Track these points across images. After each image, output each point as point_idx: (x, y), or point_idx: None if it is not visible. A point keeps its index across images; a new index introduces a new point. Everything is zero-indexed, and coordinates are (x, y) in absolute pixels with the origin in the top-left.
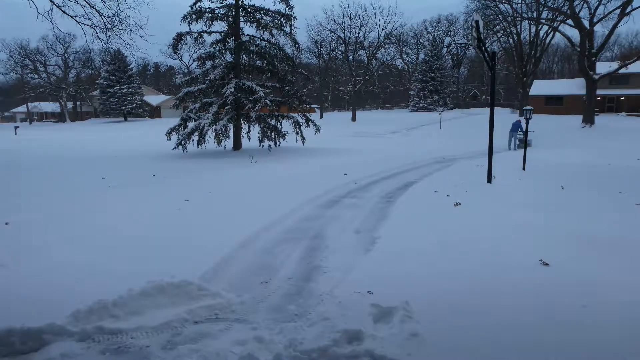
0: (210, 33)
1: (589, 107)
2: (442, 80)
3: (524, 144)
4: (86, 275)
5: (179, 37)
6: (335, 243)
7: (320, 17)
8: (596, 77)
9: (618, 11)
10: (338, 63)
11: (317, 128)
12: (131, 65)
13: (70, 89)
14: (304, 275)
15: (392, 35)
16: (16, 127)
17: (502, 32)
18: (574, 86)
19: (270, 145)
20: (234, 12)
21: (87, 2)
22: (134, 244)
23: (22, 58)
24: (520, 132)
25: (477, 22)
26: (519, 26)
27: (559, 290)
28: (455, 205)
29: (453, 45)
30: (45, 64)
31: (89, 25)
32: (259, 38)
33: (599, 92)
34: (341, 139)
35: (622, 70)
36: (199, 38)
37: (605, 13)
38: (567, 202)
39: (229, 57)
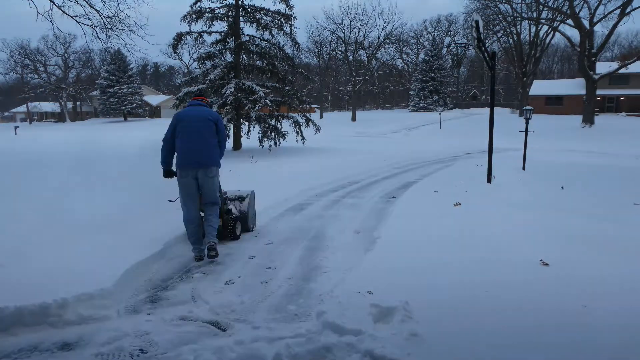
0: (210, 33)
1: (588, 107)
2: (442, 80)
3: (524, 143)
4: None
5: (179, 37)
6: (335, 243)
7: (320, 17)
8: (596, 77)
9: (618, 11)
10: (338, 63)
11: (317, 128)
12: (131, 65)
13: (70, 89)
14: (303, 275)
15: (392, 35)
16: (16, 127)
17: (502, 32)
18: (574, 86)
19: (270, 145)
20: (234, 12)
21: (87, 2)
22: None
23: (22, 58)
24: None
25: (477, 22)
26: (518, 26)
27: (559, 291)
28: (455, 205)
29: (453, 45)
30: (45, 64)
31: (88, 25)
32: (259, 38)
33: (599, 92)
34: (341, 138)
35: (622, 70)
36: (199, 38)
37: (605, 13)
38: (567, 202)
39: (229, 57)
